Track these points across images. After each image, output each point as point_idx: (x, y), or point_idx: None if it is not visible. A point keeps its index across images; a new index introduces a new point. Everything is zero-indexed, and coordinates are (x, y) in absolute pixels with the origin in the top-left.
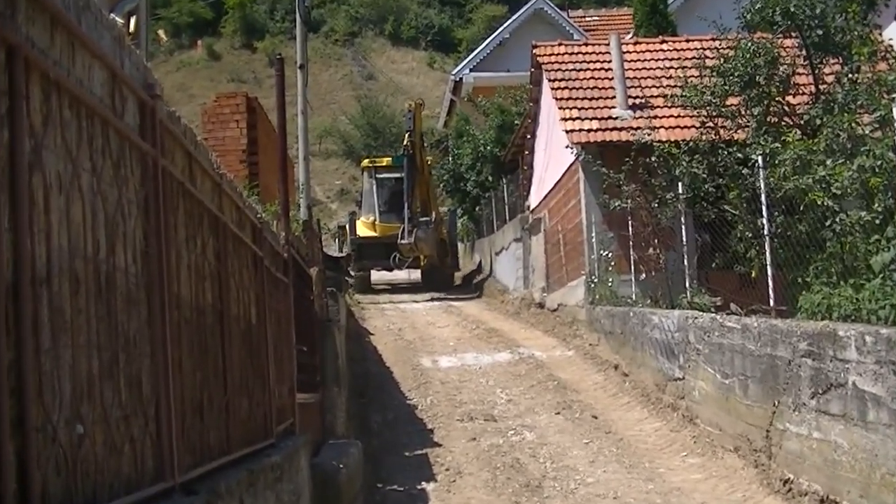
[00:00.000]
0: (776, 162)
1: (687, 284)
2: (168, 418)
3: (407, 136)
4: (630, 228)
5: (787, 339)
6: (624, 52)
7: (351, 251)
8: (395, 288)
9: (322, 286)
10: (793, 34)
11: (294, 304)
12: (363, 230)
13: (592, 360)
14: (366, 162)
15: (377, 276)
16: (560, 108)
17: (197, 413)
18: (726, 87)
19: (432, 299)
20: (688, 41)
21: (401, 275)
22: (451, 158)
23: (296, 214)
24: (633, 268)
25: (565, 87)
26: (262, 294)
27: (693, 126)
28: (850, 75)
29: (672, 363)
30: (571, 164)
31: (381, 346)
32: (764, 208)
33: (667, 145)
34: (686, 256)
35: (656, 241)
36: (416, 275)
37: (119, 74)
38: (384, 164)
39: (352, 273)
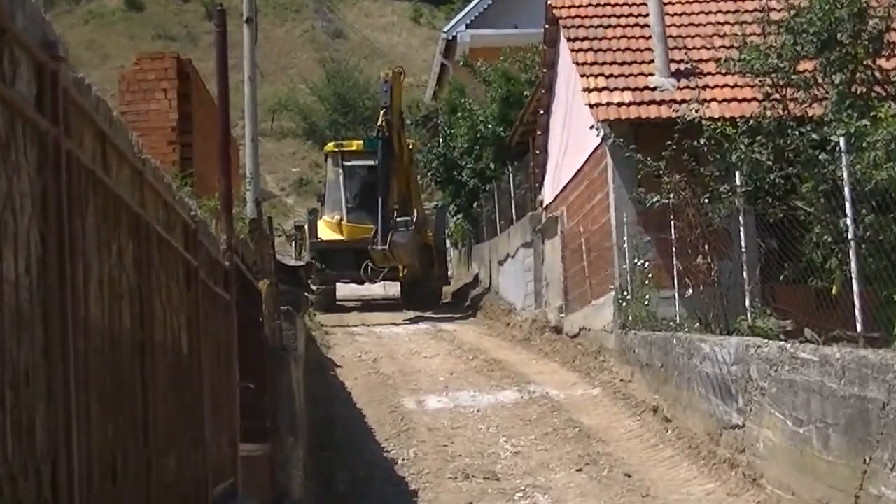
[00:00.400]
0: (864, 145)
1: (747, 303)
2: (69, 481)
3: (382, 113)
4: (673, 231)
5: (880, 376)
6: (665, 4)
7: (311, 259)
8: (367, 305)
9: (274, 304)
10: None
11: (238, 329)
12: (326, 232)
13: (624, 401)
14: (330, 146)
15: (345, 290)
16: (583, 76)
17: (108, 475)
18: (798, 48)
19: (417, 320)
20: None
21: (375, 289)
22: (441, 140)
23: (241, 212)
24: (676, 281)
25: (589, 49)
26: (197, 316)
27: (754, 99)
28: None
29: (728, 405)
30: (597, 148)
31: (351, 381)
32: (848, 205)
33: (720, 124)
34: (745, 267)
35: (706, 246)
36: (394, 289)
37: (8, 29)
38: (354, 148)
39: (313, 287)
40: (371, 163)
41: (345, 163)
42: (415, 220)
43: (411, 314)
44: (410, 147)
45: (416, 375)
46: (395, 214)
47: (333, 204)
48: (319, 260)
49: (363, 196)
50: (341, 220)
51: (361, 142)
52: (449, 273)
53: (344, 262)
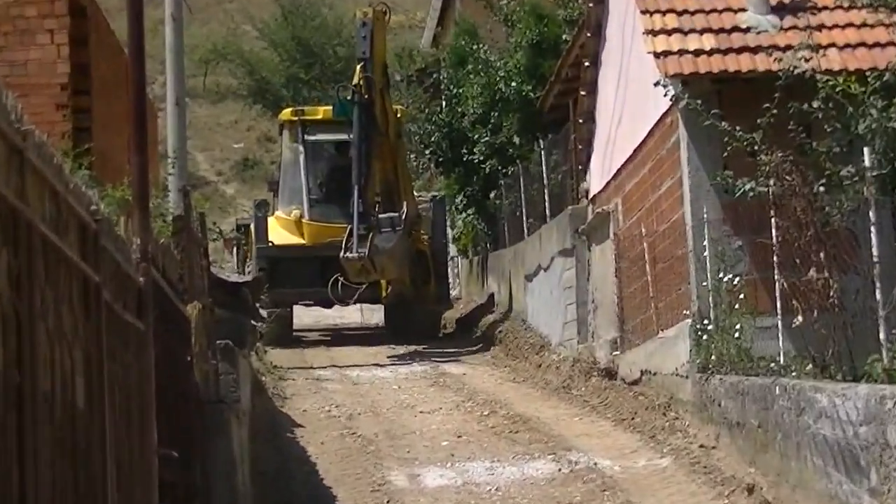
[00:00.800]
0: None
1: (882, 336)
2: None
3: (359, 67)
4: (774, 232)
5: None
6: None
7: (260, 271)
8: (338, 337)
9: (208, 338)
10: None
11: (157, 373)
12: (281, 234)
13: (706, 476)
14: (287, 113)
15: (306, 316)
16: (644, 13)
17: None
18: None
19: (409, 360)
20: None
21: (349, 314)
22: (445, 104)
23: (162, 205)
24: (779, 305)
25: None
26: (99, 353)
27: (891, 43)
28: None
29: (856, 483)
30: (665, 115)
31: (317, 448)
32: None
33: (841, 79)
34: (879, 284)
35: (822, 255)
36: (376, 314)
37: None
38: (319, 117)
39: (263, 313)
40: (343, 137)
41: (307, 137)
42: (404, 217)
43: (401, 350)
44: (399, 115)
45: (408, 439)
46: (378, 209)
47: (291, 195)
48: (270, 273)
49: (332, 184)
50: (301, 216)
51: (330, 108)
52: (450, 291)
53: (305, 275)
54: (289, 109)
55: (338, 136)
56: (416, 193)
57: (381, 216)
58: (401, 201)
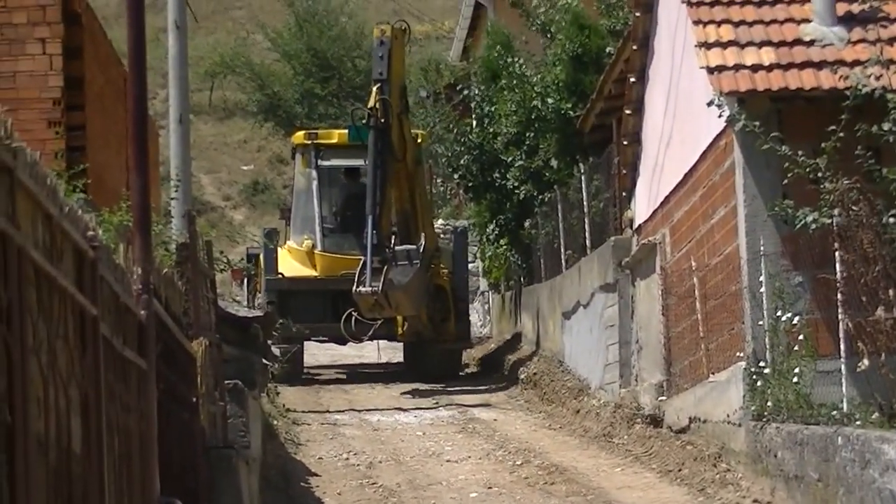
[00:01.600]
0: None
1: None
2: None
3: (376, 89)
4: (838, 267)
5: None
6: None
7: (269, 304)
8: (353, 375)
9: (215, 377)
10: None
11: (160, 414)
12: (291, 265)
13: None
14: (300, 136)
15: (318, 352)
16: (696, 24)
17: None
18: None
19: (436, 404)
20: None
21: (365, 350)
22: (475, 124)
23: (164, 232)
24: (843, 347)
25: None
26: (97, 393)
27: None
28: None
29: None
30: (719, 137)
31: (334, 498)
32: None
33: None
34: None
35: (891, 291)
36: (395, 351)
37: None
38: (334, 141)
39: (275, 350)
40: (360, 163)
41: (320, 162)
42: (422, 249)
43: (430, 395)
44: (419, 140)
45: (434, 490)
46: (394, 241)
47: (303, 223)
48: (279, 307)
49: (348, 212)
50: (314, 247)
51: (346, 131)
52: (482, 329)
53: (317, 310)
54: (301, 132)
55: (354, 161)
56: (442, 222)
57: (397, 248)
58: (419, 233)
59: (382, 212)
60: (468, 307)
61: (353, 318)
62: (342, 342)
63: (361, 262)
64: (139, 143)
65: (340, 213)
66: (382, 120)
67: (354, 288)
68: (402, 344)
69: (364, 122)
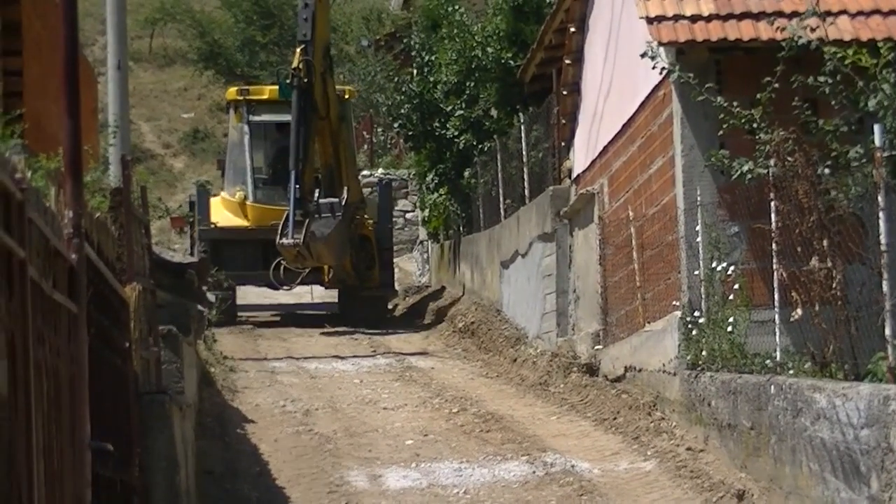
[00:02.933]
0: None
1: (888, 332)
2: None
3: (299, 50)
4: (773, 217)
5: None
6: None
7: (202, 253)
8: (288, 318)
9: (149, 323)
10: None
11: (91, 360)
12: (224, 215)
13: (693, 481)
14: (232, 92)
15: (253, 294)
16: None
17: None
18: None
19: (374, 353)
20: None
21: (300, 292)
22: (415, 73)
23: (100, 178)
24: (777, 297)
25: None
26: (24, 337)
27: None
28: None
29: (856, 490)
30: (657, 88)
31: (270, 445)
32: None
33: (851, 50)
34: (886, 274)
35: (825, 242)
36: (331, 294)
37: None
38: (265, 97)
39: (211, 296)
40: (290, 118)
41: (252, 118)
42: (345, 202)
43: (366, 339)
44: (346, 96)
45: (370, 437)
46: (318, 194)
47: (236, 175)
48: (213, 255)
49: (278, 165)
50: (245, 198)
51: (276, 87)
52: (394, 277)
53: (248, 259)
54: (234, 88)
55: (284, 116)
56: (382, 171)
57: (320, 201)
58: (342, 186)
59: (305, 167)
60: (392, 256)
61: (282, 266)
62: (275, 288)
63: (285, 215)
64: (70, 84)
65: (272, 165)
66: (306, 80)
67: (278, 240)
68: (338, 292)
69: (288, 82)
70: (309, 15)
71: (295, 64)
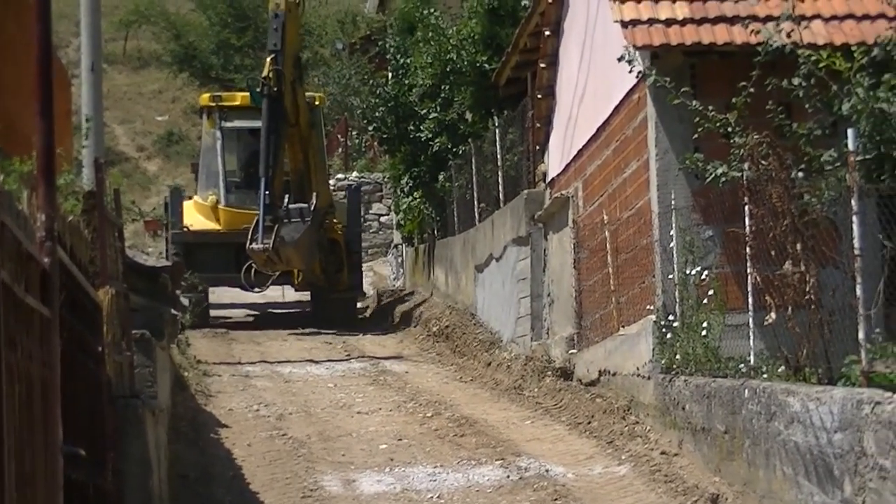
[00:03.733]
0: None
1: (861, 336)
2: None
3: (270, 59)
4: (747, 221)
5: None
6: None
7: (174, 255)
8: (261, 317)
9: (123, 327)
10: None
11: (63, 363)
12: (196, 218)
13: (667, 485)
14: (205, 98)
15: (227, 296)
16: None
17: None
18: None
19: (348, 357)
20: None
21: (273, 292)
22: (391, 76)
23: (73, 181)
24: (751, 301)
25: None
26: None
27: (882, 16)
28: None
29: (829, 494)
30: (632, 91)
31: (243, 450)
32: None
33: (825, 54)
34: (860, 279)
35: (799, 246)
36: (304, 294)
37: None
38: (237, 103)
39: (185, 300)
40: (261, 125)
41: (224, 123)
42: (314, 207)
43: (340, 343)
44: (316, 102)
45: (344, 441)
46: (288, 200)
47: (209, 179)
48: (185, 258)
49: (250, 170)
50: (218, 202)
51: (248, 95)
52: (362, 280)
53: (220, 261)
54: (207, 94)
55: (256, 122)
56: (357, 174)
57: (290, 207)
58: (312, 192)
59: (275, 174)
60: (361, 259)
61: (253, 269)
62: (249, 289)
63: (255, 220)
64: (43, 85)
65: (244, 170)
66: (276, 89)
67: (248, 245)
68: (310, 294)
69: (259, 91)
70: (279, 25)
71: (265, 73)
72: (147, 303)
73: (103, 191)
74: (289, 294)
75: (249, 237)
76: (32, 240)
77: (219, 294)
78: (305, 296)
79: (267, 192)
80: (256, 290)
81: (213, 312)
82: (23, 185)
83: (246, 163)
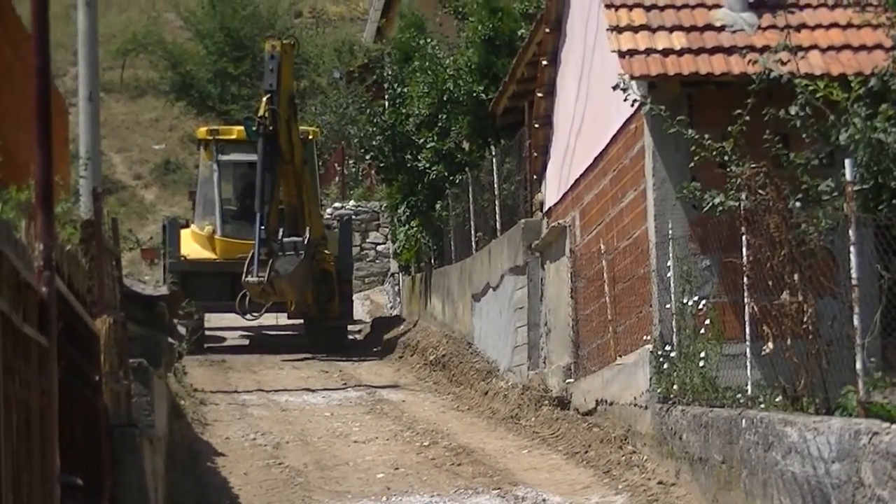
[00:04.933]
0: None
1: (858, 366)
2: None
3: (265, 99)
4: (745, 251)
5: None
6: None
7: (171, 283)
8: (257, 341)
9: (120, 356)
10: None
11: (61, 393)
12: (193, 248)
13: None
14: (203, 132)
15: (221, 318)
16: (608, 7)
17: None
18: None
19: (344, 385)
20: None
21: (267, 318)
22: (388, 105)
23: (72, 211)
24: (748, 330)
25: None
26: None
27: (878, 46)
28: None
29: None
30: (629, 121)
31: (240, 479)
32: None
33: (822, 84)
34: (857, 309)
35: (796, 276)
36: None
37: None
38: (233, 137)
39: (181, 327)
40: (256, 157)
41: (221, 157)
42: (306, 241)
43: (335, 371)
44: (310, 136)
45: (340, 470)
46: (282, 233)
47: (205, 209)
48: (182, 287)
49: (246, 201)
50: (214, 232)
51: (244, 129)
52: (352, 308)
53: (216, 289)
54: (204, 128)
55: (251, 156)
56: (353, 203)
57: (284, 240)
58: (305, 225)
59: (270, 209)
60: (351, 288)
61: (248, 297)
62: (243, 315)
63: (250, 254)
64: (41, 115)
65: (239, 201)
66: (271, 127)
67: (244, 277)
68: (304, 319)
69: (255, 129)
70: (275, 66)
71: (261, 112)
72: (144, 331)
73: (101, 220)
74: (282, 319)
75: (245, 270)
76: (31, 269)
77: (214, 320)
78: (300, 321)
79: (262, 227)
80: (249, 317)
81: (208, 334)
82: (20, 214)
83: (242, 194)
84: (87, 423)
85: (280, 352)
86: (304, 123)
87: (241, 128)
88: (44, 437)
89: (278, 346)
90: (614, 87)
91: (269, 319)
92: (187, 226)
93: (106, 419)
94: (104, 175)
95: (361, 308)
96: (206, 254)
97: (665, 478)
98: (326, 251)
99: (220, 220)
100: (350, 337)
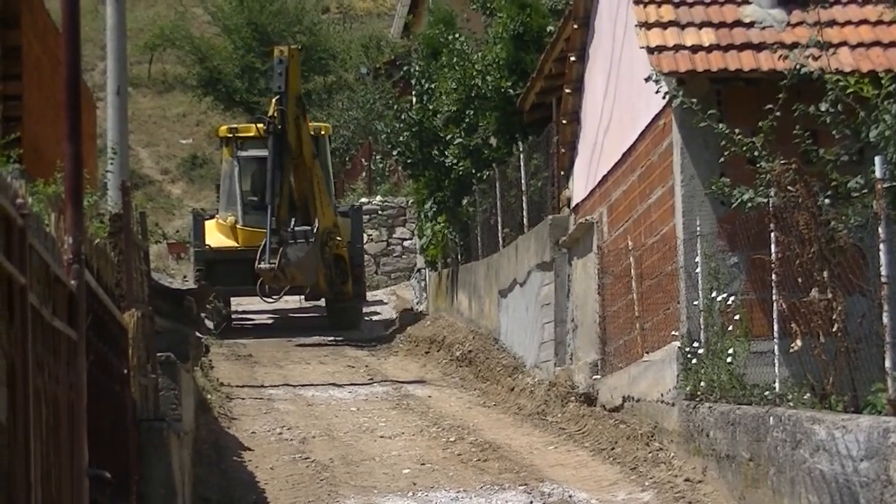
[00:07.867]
0: None
1: (888, 364)
2: None
3: (275, 101)
4: (773, 248)
5: None
6: None
7: (197, 272)
8: (281, 323)
9: (148, 350)
10: None
11: (89, 386)
12: (217, 237)
13: None
14: (223, 130)
15: (246, 300)
16: (636, 3)
17: None
18: None
19: (371, 381)
20: None
21: (293, 300)
22: (415, 101)
23: (99, 204)
24: (777, 328)
25: None
26: (24, 362)
27: None
28: None
29: None
30: (658, 117)
31: (266, 473)
32: None
33: (853, 80)
34: (887, 306)
35: (826, 274)
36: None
37: None
38: (252, 134)
39: (209, 320)
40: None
41: (240, 153)
42: (316, 229)
43: (364, 365)
44: (322, 132)
45: (366, 465)
46: (294, 223)
47: (228, 201)
48: (207, 273)
49: (264, 193)
50: (236, 222)
51: (261, 126)
52: (365, 290)
53: (238, 275)
54: (224, 127)
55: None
56: (380, 198)
57: (296, 229)
58: (313, 215)
59: (280, 202)
60: (363, 271)
61: (266, 285)
62: (262, 298)
63: (262, 243)
64: (71, 109)
65: (258, 193)
66: (280, 126)
67: (256, 264)
68: (325, 301)
69: (266, 128)
70: (283, 70)
71: (271, 112)
72: (172, 325)
73: (130, 214)
74: (305, 302)
75: (258, 257)
76: (60, 263)
77: (244, 304)
78: (321, 302)
79: (273, 218)
80: (269, 300)
81: (235, 317)
82: (49, 208)
83: (261, 186)
84: (115, 417)
85: (299, 334)
86: (331, 119)
87: (261, 125)
88: (72, 430)
89: (300, 325)
90: (646, 79)
91: (293, 303)
92: (212, 218)
93: (133, 413)
94: (131, 170)
95: (388, 304)
96: (229, 242)
97: (692, 475)
98: (339, 238)
99: (241, 211)
100: (366, 318)
